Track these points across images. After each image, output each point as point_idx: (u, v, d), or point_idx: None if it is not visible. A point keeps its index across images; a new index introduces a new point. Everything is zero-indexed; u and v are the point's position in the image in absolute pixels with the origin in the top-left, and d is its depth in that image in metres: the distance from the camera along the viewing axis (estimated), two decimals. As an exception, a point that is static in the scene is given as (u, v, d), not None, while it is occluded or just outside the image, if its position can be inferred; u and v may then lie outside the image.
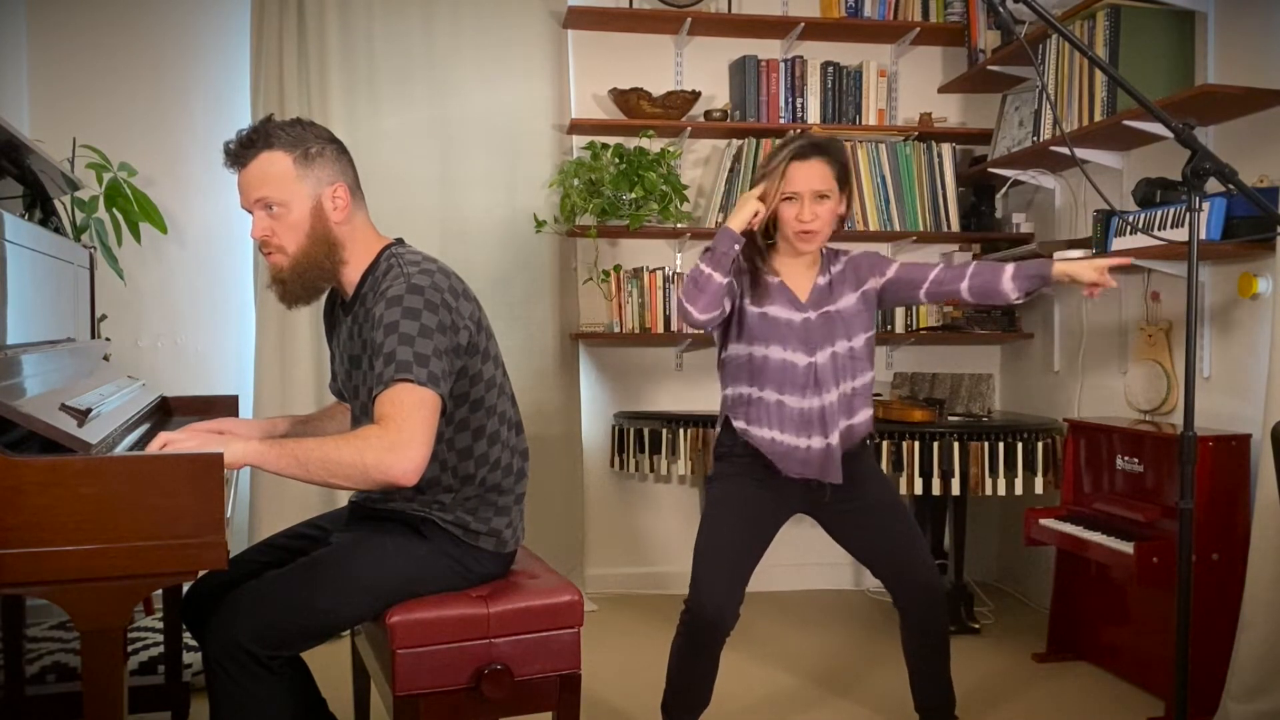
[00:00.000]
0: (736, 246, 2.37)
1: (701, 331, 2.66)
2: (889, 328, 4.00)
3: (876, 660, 3.30)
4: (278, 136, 1.88)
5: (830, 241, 2.51)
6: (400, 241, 2.01)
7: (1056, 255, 3.35)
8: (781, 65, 3.97)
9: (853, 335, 2.47)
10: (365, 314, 1.89)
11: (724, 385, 2.54)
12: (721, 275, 2.35)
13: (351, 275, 1.97)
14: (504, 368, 2.06)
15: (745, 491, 2.45)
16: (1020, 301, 2.46)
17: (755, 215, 2.40)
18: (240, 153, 1.88)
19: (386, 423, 1.73)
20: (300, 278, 1.92)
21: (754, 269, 2.48)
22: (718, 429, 2.55)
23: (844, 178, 2.45)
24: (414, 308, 1.81)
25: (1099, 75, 3.20)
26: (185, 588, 2.11)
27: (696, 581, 2.37)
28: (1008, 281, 2.43)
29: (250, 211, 1.91)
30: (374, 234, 2.00)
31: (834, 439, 2.42)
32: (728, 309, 2.44)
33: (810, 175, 2.40)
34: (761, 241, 2.49)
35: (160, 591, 2.67)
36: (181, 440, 1.69)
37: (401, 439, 1.71)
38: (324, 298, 2.08)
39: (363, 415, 1.98)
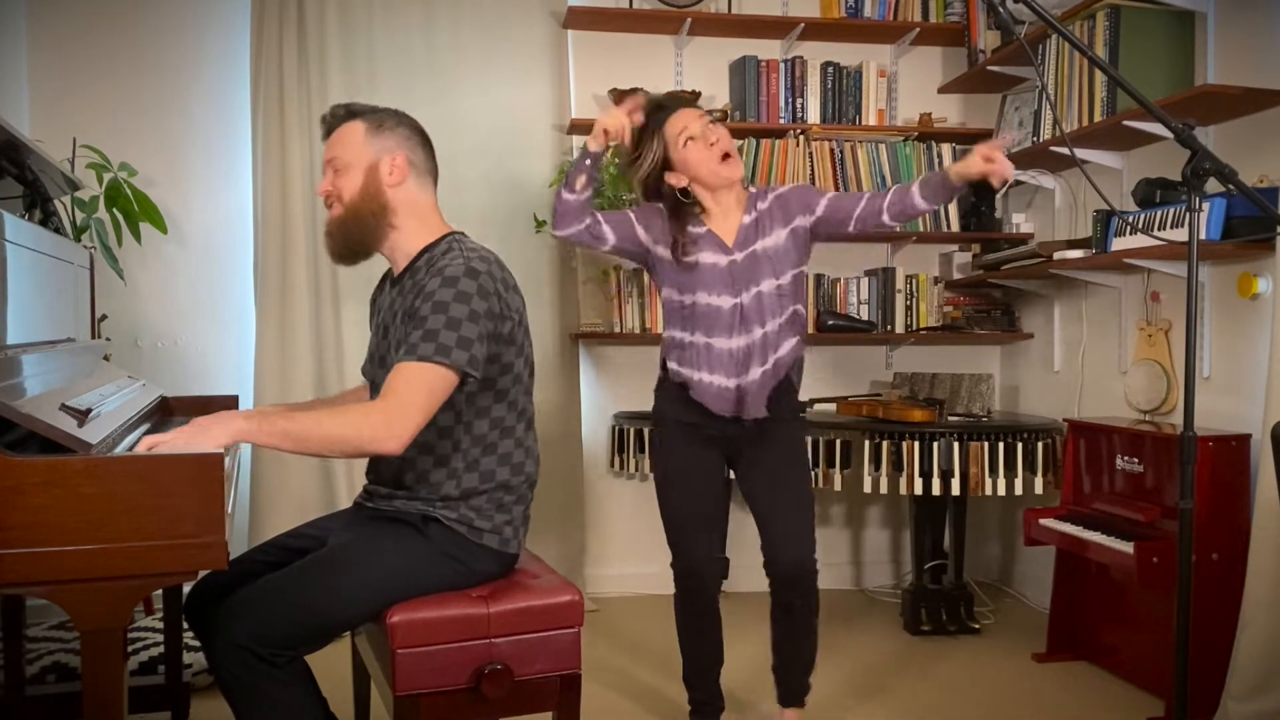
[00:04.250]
0: (587, 162, 2.43)
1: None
2: (889, 327, 4.00)
3: (878, 660, 3.30)
4: (362, 112, 2.07)
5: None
6: (464, 234, 2.11)
7: (1057, 255, 3.37)
8: (781, 65, 3.97)
9: (780, 273, 2.49)
10: (414, 285, 1.97)
11: (664, 327, 2.60)
12: (568, 192, 2.44)
13: (406, 246, 2.05)
14: (532, 367, 2.10)
15: (683, 451, 2.55)
16: (934, 209, 2.45)
17: (605, 132, 2.36)
18: (331, 123, 2.08)
19: (389, 399, 1.81)
20: (344, 228, 2.03)
21: (681, 227, 2.51)
22: (659, 368, 2.63)
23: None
24: (467, 291, 1.88)
25: (1099, 75, 3.20)
26: (186, 588, 2.11)
27: (674, 548, 2.55)
28: (917, 197, 2.43)
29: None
30: (438, 218, 2.10)
31: (755, 374, 2.46)
32: (611, 239, 2.49)
33: (688, 115, 2.49)
34: (686, 201, 2.52)
35: (160, 591, 2.67)
36: (168, 440, 1.68)
37: (400, 416, 1.79)
38: (375, 282, 2.20)
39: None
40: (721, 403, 2.49)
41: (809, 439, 3.48)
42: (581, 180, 2.44)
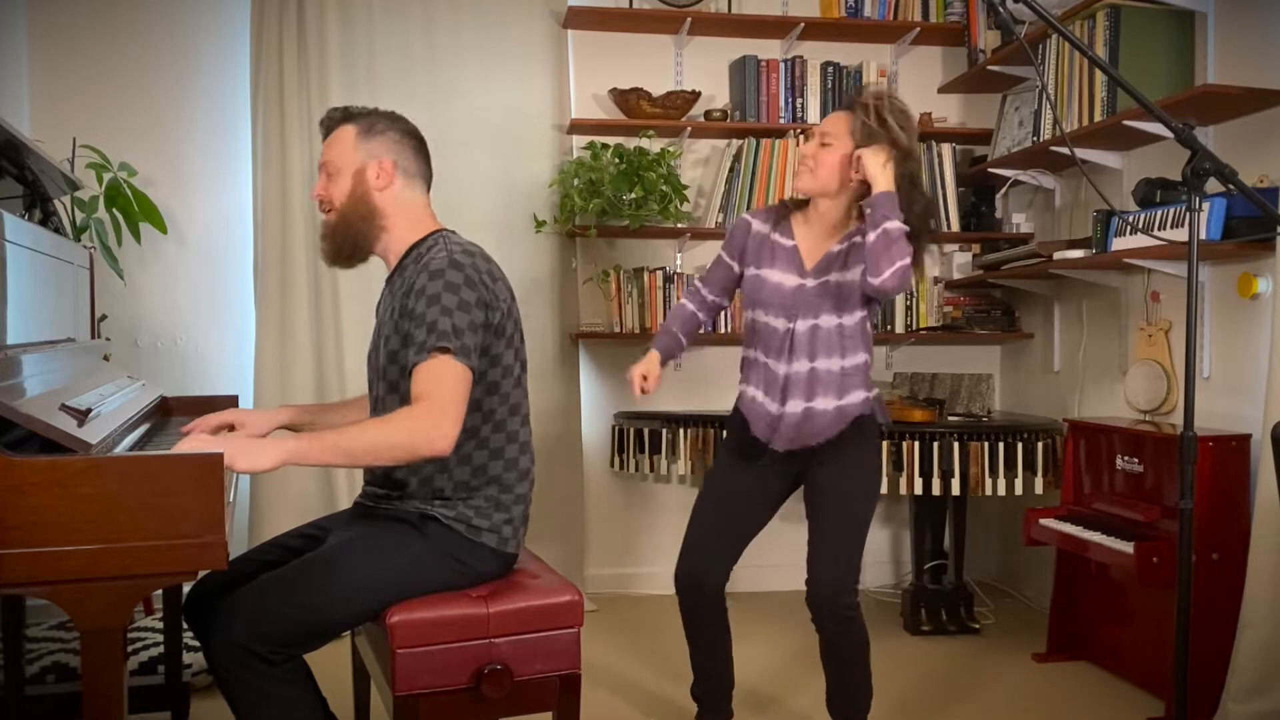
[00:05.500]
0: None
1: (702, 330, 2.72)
2: (889, 327, 4.00)
3: (878, 660, 3.29)
4: (356, 116, 2.10)
5: None
6: (452, 231, 2.12)
7: (1057, 255, 3.37)
8: (781, 65, 3.97)
9: (845, 310, 2.40)
10: (403, 282, 1.99)
11: None
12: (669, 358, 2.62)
13: (396, 245, 2.08)
14: (524, 362, 2.10)
15: (733, 465, 2.53)
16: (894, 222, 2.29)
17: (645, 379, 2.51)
18: (328, 125, 2.12)
19: (429, 401, 1.82)
20: (334, 233, 2.07)
21: (773, 231, 2.50)
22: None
23: (865, 133, 2.36)
24: (454, 282, 1.90)
25: (1099, 75, 3.20)
26: (186, 588, 2.11)
27: (681, 551, 2.52)
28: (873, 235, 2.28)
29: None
30: (428, 217, 2.11)
31: (796, 409, 2.40)
32: (725, 302, 2.62)
33: (826, 122, 2.45)
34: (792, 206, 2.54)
35: (160, 591, 2.67)
36: (212, 445, 1.69)
37: (445, 416, 1.82)
38: (375, 281, 2.24)
39: (380, 380, 2.05)
40: (761, 426, 2.46)
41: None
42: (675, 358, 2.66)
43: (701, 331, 2.68)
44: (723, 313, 2.65)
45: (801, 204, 2.52)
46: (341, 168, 2.05)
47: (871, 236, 2.29)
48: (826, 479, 2.44)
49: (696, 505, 2.55)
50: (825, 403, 2.41)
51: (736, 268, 2.55)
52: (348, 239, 2.06)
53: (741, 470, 2.52)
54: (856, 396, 2.43)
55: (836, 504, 2.43)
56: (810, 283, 2.43)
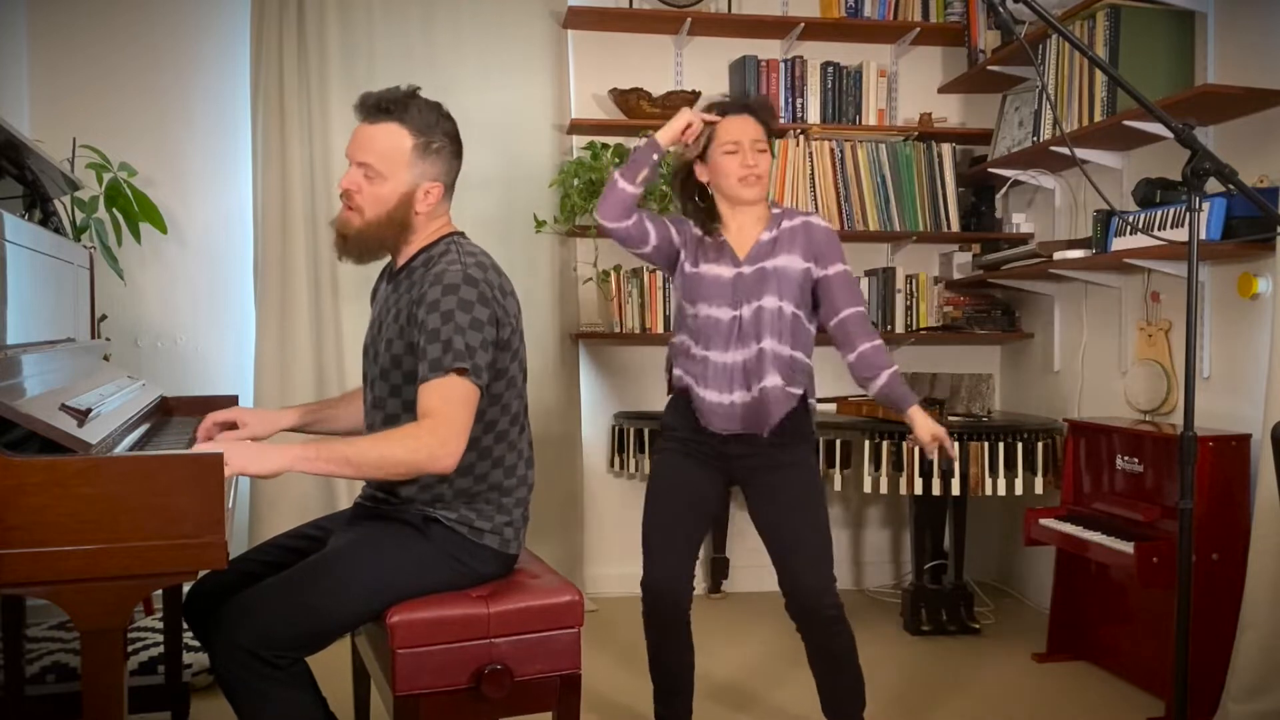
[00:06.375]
0: (655, 157, 2.43)
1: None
2: (889, 327, 4.00)
3: (878, 660, 3.30)
4: (412, 116, 1.97)
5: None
6: (463, 234, 2.08)
7: (1057, 255, 3.37)
8: (781, 65, 3.97)
9: (785, 295, 2.40)
10: (410, 285, 1.97)
11: (674, 332, 2.55)
12: (627, 183, 2.43)
13: (409, 250, 2.04)
14: (525, 370, 2.09)
15: (677, 466, 2.49)
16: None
17: (687, 128, 2.43)
18: (373, 111, 1.99)
19: (437, 419, 1.82)
20: (361, 241, 2.01)
21: (702, 229, 2.48)
22: (666, 373, 2.58)
23: (770, 140, 2.48)
24: (468, 299, 1.88)
25: (1099, 75, 3.20)
26: (186, 587, 2.11)
27: (644, 561, 2.47)
28: (875, 387, 2.41)
29: (350, 161, 2.00)
30: (445, 221, 2.08)
31: (757, 392, 2.38)
32: (652, 239, 2.48)
33: (746, 127, 2.44)
34: (701, 205, 2.50)
35: (160, 591, 2.67)
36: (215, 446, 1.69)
37: (451, 434, 1.82)
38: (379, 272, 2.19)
39: (380, 380, 2.02)
40: (718, 420, 2.42)
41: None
42: (644, 174, 2.43)
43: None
44: (634, 232, 2.48)
45: (715, 216, 2.48)
46: (386, 177, 1.96)
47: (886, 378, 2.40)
48: (771, 486, 2.43)
49: (651, 507, 2.49)
50: (773, 381, 2.38)
51: (673, 231, 2.49)
52: (370, 246, 2.02)
53: (691, 468, 2.48)
54: (798, 388, 2.42)
55: (795, 509, 2.41)
56: (747, 270, 2.42)
